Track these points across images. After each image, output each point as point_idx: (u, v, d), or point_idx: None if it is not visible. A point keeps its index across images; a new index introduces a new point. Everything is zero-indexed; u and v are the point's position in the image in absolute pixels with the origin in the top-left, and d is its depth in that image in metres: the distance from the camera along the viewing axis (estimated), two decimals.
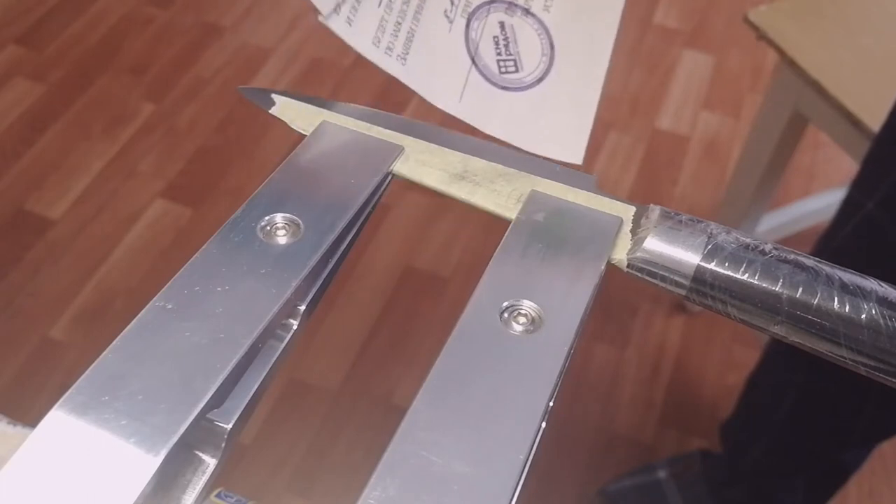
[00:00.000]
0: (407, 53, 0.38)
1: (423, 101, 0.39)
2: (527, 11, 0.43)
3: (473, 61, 0.42)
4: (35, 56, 1.76)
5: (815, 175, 1.68)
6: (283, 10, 1.91)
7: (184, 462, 0.28)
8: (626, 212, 0.35)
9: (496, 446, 0.26)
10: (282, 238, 0.32)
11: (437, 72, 0.40)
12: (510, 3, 0.43)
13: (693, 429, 1.33)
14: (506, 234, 0.34)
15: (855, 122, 1.07)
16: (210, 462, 0.28)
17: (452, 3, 0.41)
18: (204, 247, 0.31)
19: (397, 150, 0.37)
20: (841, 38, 1.18)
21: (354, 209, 0.34)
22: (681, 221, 0.33)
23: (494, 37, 0.43)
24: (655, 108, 1.78)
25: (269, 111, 0.39)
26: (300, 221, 0.33)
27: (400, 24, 0.38)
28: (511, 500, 0.25)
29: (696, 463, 1.22)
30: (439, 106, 0.40)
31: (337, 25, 0.35)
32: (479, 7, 0.43)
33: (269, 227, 0.32)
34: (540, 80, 0.42)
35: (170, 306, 0.29)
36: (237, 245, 0.32)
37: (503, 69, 0.42)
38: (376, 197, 0.36)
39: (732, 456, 1.15)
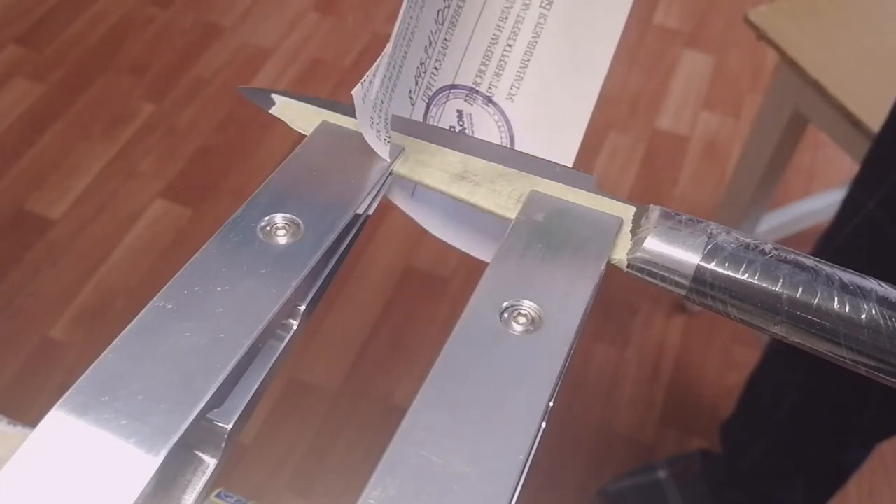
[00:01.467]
0: (388, 136, 0.36)
1: None
2: (488, 100, 0.41)
3: None
4: (35, 56, 1.76)
5: (815, 175, 1.68)
6: (283, 10, 1.91)
7: (184, 462, 0.28)
8: (626, 212, 0.35)
9: (496, 446, 0.26)
10: (282, 238, 0.32)
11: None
12: (471, 89, 0.41)
13: (693, 429, 1.33)
14: (506, 235, 0.34)
15: (855, 122, 1.07)
16: (210, 462, 0.28)
17: (416, 83, 0.39)
18: (204, 247, 0.31)
19: (397, 150, 0.37)
20: (841, 38, 1.18)
21: (355, 209, 0.34)
22: (681, 221, 0.33)
23: (451, 127, 0.41)
24: (655, 108, 1.78)
25: (269, 111, 0.39)
26: (300, 221, 0.33)
27: (383, 102, 0.36)
28: (511, 500, 0.25)
29: (696, 463, 1.22)
30: (396, 203, 0.38)
31: (358, 99, 0.34)
32: (439, 91, 0.40)
33: (269, 227, 0.32)
34: None
35: (170, 306, 0.29)
36: (237, 245, 0.32)
37: None
38: (377, 197, 0.36)
39: (732, 456, 1.15)
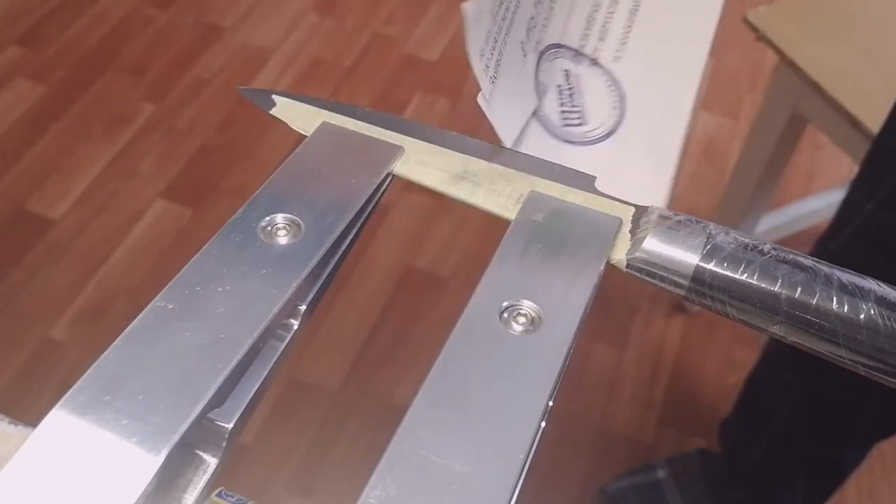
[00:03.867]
0: (496, 77, 0.36)
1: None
2: (594, 61, 0.40)
3: (537, 107, 0.39)
4: (36, 56, 1.76)
5: (814, 175, 1.68)
6: (283, 10, 1.91)
7: (185, 462, 0.28)
8: (626, 212, 0.35)
9: (496, 446, 0.26)
10: (282, 238, 0.32)
11: (508, 106, 0.37)
12: (576, 50, 0.40)
13: (692, 428, 1.33)
14: (506, 235, 0.34)
15: (854, 123, 1.07)
16: (211, 461, 0.28)
17: (528, 35, 0.38)
18: (204, 247, 0.31)
19: (397, 151, 0.37)
20: (840, 39, 1.18)
21: (355, 209, 0.34)
22: (679, 222, 0.33)
23: (559, 85, 0.40)
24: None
25: (270, 112, 0.39)
26: (301, 222, 0.33)
27: (496, 41, 0.35)
28: (511, 499, 0.25)
29: (695, 463, 1.22)
30: (505, 143, 0.37)
31: (469, 19, 0.33)
32: (548, 48, 0.40)
33: (269, 228, 0.32)
34: (608, 134, 0.39)
35: (171, 306, 0.29)
36: (238, 245, 0.32)
37: (566, 121, 0.39)
38: (377, 197, 0.36)
39: (732, 455, 1.15)
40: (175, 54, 1.80)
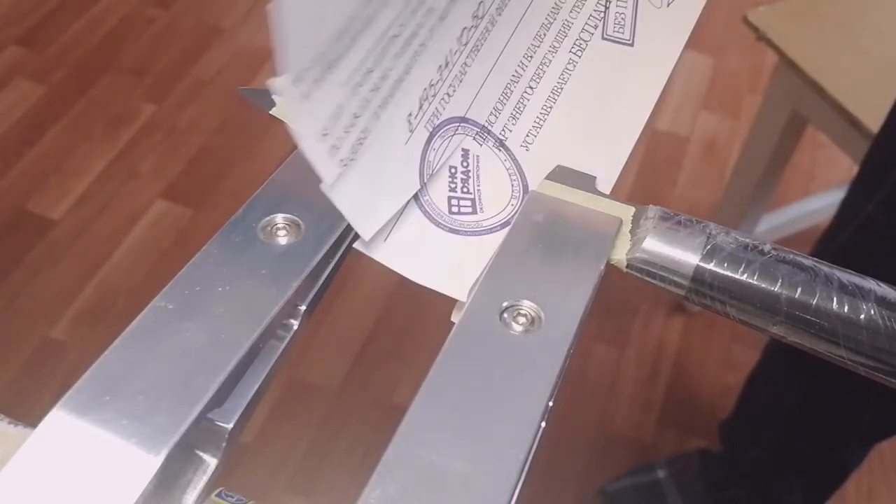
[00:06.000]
0: (352, 159, 0.30)
1: None
2: (500, 143, 0.36)
3: (419, 191, 0.34)
4: (36, 57, 1.76)
5: (814, 175, 1.68)
6: None
7: (185, 462, 0.28)
8: (626, 212, 0.35)
9: (496, 446, 0.26)
10: (282, 238, 0.32)
11: (371, 193, 0.31)
12: (482, 127, 0.36)
13: (692, 428, 1.33)
14: (506, 235, 0.34)
15: (854, 123, 1.07)
16: (211, 462, 0.28)
17: (421, 107, 0.33)
18: (205, 247, 0.31)
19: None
20: (840, 39, 1.18)
21: None
22: (680, 222, 0.33)
23: (451, 167, 0.35)
24: (654, 109, 1.77)
25: (270, 112, 0.39)
26: (301, 222, 0.33)
27: (358, 116, 0.29)
28: (511, 499, 0.25)
29: (695, 462, 1.22)
30: (362, 235, 0.32)
31: (291, 97, 0.26)
32: (446, 122, 0.35)
33: (269, 228, 0.32)
34: (502, 225, 0.34)
35: (171, 306, 0.29)
36: (238, 245, 0.32)
37: (454, 208, 0.34)
38: None
39: (732, 455, 1.15)
40: (175, 55, 1.80)
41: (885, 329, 0.30)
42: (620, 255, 0.34)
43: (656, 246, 0.33)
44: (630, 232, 0.34)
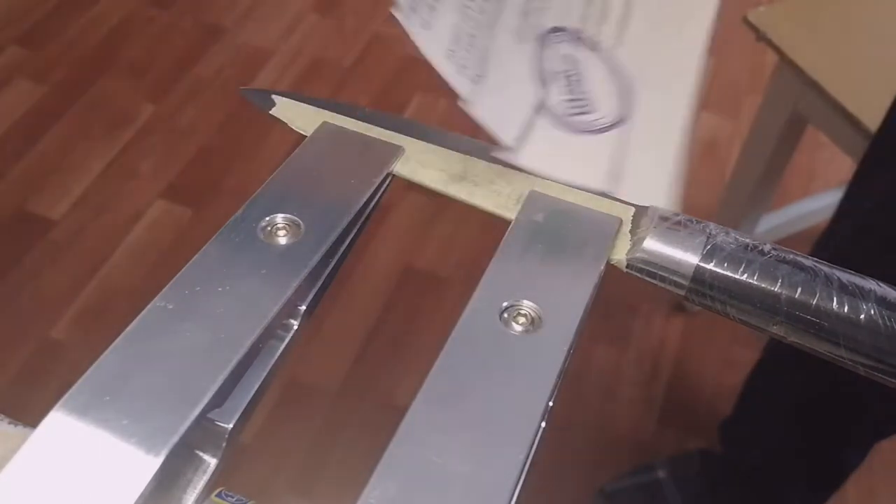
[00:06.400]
0: (481, 75, 0.34)
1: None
2: (595, 45, 0.38)
3: (541, 98, 0.37)
4: (36, 57, 1.76)
5: (814, 175, 1.68)
6: (283, 10, 1.91)
7: (185, 462, 0.28)
8: (626, 212, 0.35)
9: (496, 446, 0.26)
10: (282, 238, 0.32)
11: (502, 103, 0.35)
12: (576, 33, 0.38)
13: (692, 428, 1.33)
14: (506, 235, 0.34)
15: (854, 123, 1.07)
16: (211, 462, 0.28)
17: (524, 20, 0.36)
18: (204, 247, 0.32)
19: (398, 151, 0.37)
20: (840, 39, 1.18)
21: (355, 209, 0.34)
22: (679, 222, 0.33)
23: (563, 73, 0.38)
24: None
25: (270, 112, 0.39)
26: (301, 222, 0.33)
27: (474, 36, 0.33)
28: (511, 499, 0.25)
29: (695, 462, 1.22)
30: (504, 143, 0.35)
31: (413, 26, 0.31)
32: (549, 31, 0.38)
33: (269, 228, 0.33)
34: (615, 123, 0.37)
35: (171, 306, 0.29)
36: (238, 245, 0.32)
37: (574, 110, 0.37)
38: (377, 197, 0.36)
39: (731, 455, 1.15)
40: (175, 54, 1.80)
41: (885, 329, 0.30)
42: (620, 255, 0.34)
43: (656, 246, 0.33)
44: (630, 232, 0.34)
